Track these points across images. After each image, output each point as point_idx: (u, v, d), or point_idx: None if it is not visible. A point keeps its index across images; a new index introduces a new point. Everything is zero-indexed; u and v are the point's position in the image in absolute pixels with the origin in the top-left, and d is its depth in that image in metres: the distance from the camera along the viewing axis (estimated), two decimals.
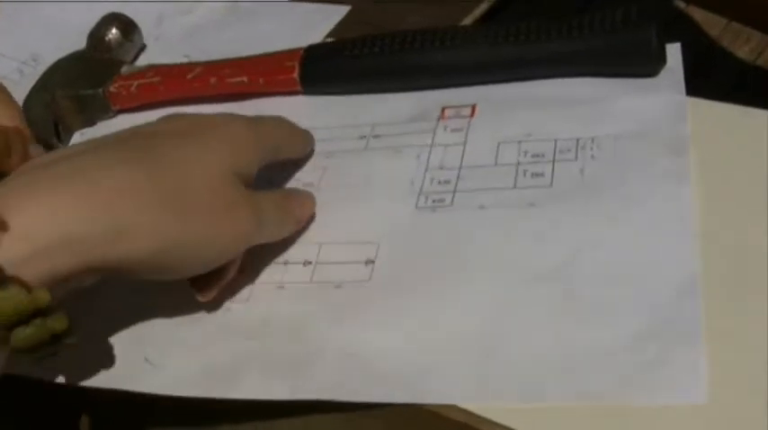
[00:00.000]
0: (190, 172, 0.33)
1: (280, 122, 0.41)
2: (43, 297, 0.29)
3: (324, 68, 0.47)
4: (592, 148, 0.40)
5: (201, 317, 0.38)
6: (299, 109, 0.48)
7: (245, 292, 0.39)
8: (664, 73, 0.42)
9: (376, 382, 0.34)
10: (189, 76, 0.48)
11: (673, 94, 0.41)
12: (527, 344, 0.33)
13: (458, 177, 0.41)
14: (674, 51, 0.43)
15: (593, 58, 0.42)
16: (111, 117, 0.50)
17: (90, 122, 0.50)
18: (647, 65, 0.42)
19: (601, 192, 0.38)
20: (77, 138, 0.50)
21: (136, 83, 0.49)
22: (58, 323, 0.30)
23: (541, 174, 0.39)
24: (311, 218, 0.40)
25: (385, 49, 0.45)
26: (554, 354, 0.33)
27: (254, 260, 0.40)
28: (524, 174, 0.40)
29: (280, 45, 0.48)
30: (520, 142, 0.41)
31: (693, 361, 0.31)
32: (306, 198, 0.40)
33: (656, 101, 0.41)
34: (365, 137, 0.45)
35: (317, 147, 0.45)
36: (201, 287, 0.36)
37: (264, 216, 0.36)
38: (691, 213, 0.36)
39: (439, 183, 0.41)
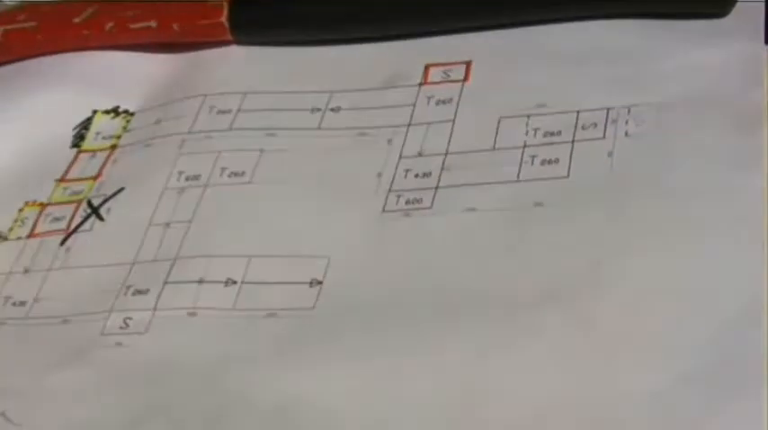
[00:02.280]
0: None
1: None
2: None
3: (262, 8, 0.49)
4: (627, 123, 0.41)
5: (79, 356, 0.40)
6: (228, 65, 0.49)
7: (142, 320, 0.41)
8: (735, 14, 0.43)
9: None
10: (77, 20, 0.50)
11: (745, 44, 0.42)
12: (527, 395, 0.34)
13: (442, 168, 0.42)
14: None
15: None
16: None
17: None
18: (710, 2, 0.43)
19: (637, 185, 0.39)
20: None
21: (2, 29, 0.51)
22: None
23: (555, 161, 0.41)
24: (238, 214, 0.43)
25: None
26: (564, 407, 0.34)
27: (150, 268, 0.42)
28: (532, 162, 0.41)
29: None
30: (529, 116, 0.43)
31: (752, 413, 0.32)
32: None
33: (722, 54, 0.42)
34: (319, 109, 0.46)
35: (253, 121, 0.47)
36: None
37: None
38: (763, 214, 0.37)
39: (416, 176, 0.42)
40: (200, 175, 0.45)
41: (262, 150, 0.45)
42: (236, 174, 0.45)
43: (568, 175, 0.40)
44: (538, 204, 0.40)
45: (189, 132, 0.47)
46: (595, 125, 0.42)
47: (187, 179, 0.46)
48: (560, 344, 0.36)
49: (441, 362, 0.36)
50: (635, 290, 0.36)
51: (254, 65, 0.49)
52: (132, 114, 0.50)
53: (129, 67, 0.51)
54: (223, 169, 0.45)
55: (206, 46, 0.50)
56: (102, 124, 0.50)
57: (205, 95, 0.49)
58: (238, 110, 0.48)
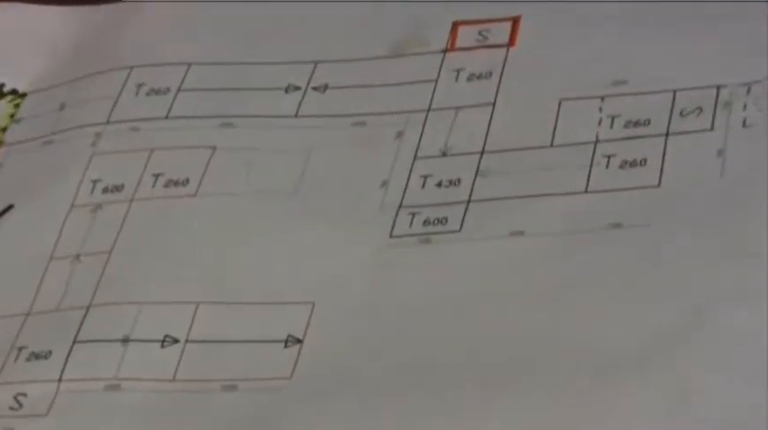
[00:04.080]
0: None
1: None
2: None
3: None
4: (745, 107, 0.42)
5: None
6: (163, 23, 0.51)
7: (41, 397, 0.41)
8: None
9: None
10: None
11: None
12: None
13: (476, 174, 0.43)
14: None
15: None
16: None
17: None
18: None
19: (757, 198, 0.40)
20: None
21: None
22: None
23: (641, 163, 0.42)
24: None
25: None
26: None
27: (52, 321, 0.43)
28: (608, 164, 0.42)
29: None
30: (603, 98, 0.44)
31: None
32: None
33: None
34: (298, 88, 0.47)
35: (200, 105, 0.48)
36: None
37: None
38: None
39: (439, 185, 0.43)
40: (123, 185, 0.46)
41: (214, 148, 0.46)
42: (175, 183, 0.46)
43: (659, 184, 0.41)
44: (615, 226, 0.40)
45: (108, 122, 0.48)
46: (700, 110, 0.42)
47: (105, 191, 0.46)
48: (643, 427, 0.36)
49: None
50: (741, 346, 0.37)
51: (202, 22, 0.51)
52: (23, 96, 0.51)
53: (19, 26, 0.52)
54: (157, 176, 0.46)
55: None
56: None
57: (131, 68, 0.50)
58: (179, 88, 0.49)
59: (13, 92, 0.51)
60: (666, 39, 0.45)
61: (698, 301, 0.38)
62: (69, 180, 0.47)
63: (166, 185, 0.46)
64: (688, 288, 0.39)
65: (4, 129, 0.50)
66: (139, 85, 0.49)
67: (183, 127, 0.48)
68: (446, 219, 0.42)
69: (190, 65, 0.49)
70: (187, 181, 0.46)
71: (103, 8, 0.52)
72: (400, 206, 0.43)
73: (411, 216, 0.43)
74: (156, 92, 0.49)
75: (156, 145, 0.47)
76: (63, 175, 0.47)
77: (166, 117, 0.48)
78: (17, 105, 0.50)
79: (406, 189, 0.44)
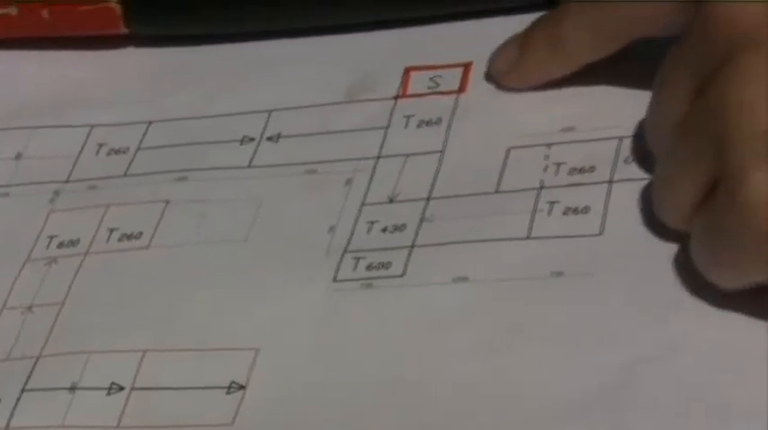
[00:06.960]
0: None
1: None
2: None
3: None
4: None
5: None
6: (119, 74, 0.53)
7: None
8: None
9: None
10: None
11: None
12: None
13: (422, 219, 0.44)
14: None
15: None
16: None
17: None
18: None
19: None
20: None
21: None
22: None
23: (584, 211, 0.43)
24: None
25: None
26: None
27: (2, 370, 0.44)
28: (550, 211, 0.43)
29: None
30: (549, 145, 0.45)
31: None
32: None
33: None
34: (252, 139, 0.49)
35: (157, 161, 0.50)
36: None
37: None
38: None
39: (384, 230, 0.45)
40: (78, 240, 0.48)
41: (167, 202, 0.48)
42: (129, 237, 0.48)
43: (602, 232, 0.42)
44: (556, 274, 0.42)
45: (67, 181, 0.50)
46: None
47: (60, 245, 0.48)
48: None
49: None
50: (680, 391, 0.38)
51: (156, 72, 0.53)
52: None
53: None
54: (111, 230, 0.48)
55: (91, 45, 0.53)
56: None
57: (91, 126, 0.52)
58: (138, 147, 0.51)
59: None
60: (618, 82, 0.46)
61: (642, 353, 0.39)
62: (26, 235, 0.49)
63: (120, 239, 0.48)
64: (631, 340, 0.40)
65: None
66: (100, 145, 0.51)
67: (140, 183, 0.49)
68: (389, 264, 0.44)
69: (150, 123, 0.51)
70: (140, 234, 0.47)
71: (64, 59, 0.54)
72: (345, 251, 0.45)
73: (355, 260, 0.44)
74: (116, 151, 0.51)
75: (112, 201, 0.49)
76: (20, 230, 0.49)
77: (124, 175, 0.50)
78: None
79: (352, 234, 0.45)
